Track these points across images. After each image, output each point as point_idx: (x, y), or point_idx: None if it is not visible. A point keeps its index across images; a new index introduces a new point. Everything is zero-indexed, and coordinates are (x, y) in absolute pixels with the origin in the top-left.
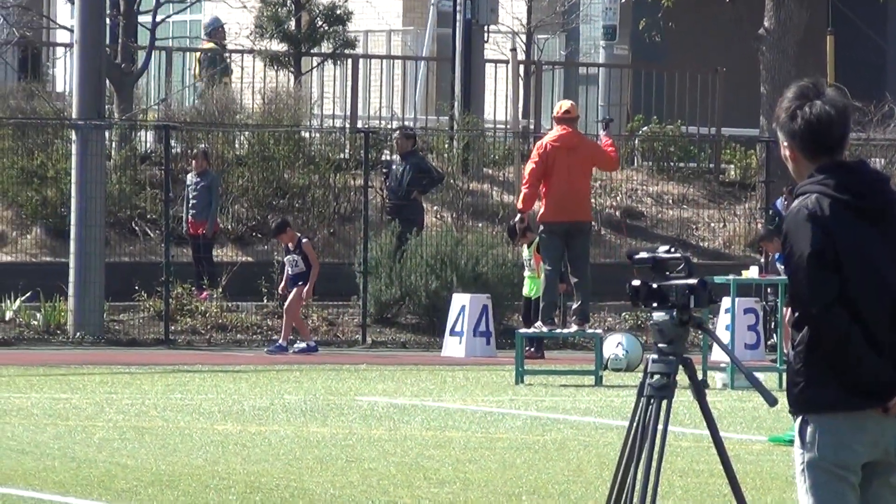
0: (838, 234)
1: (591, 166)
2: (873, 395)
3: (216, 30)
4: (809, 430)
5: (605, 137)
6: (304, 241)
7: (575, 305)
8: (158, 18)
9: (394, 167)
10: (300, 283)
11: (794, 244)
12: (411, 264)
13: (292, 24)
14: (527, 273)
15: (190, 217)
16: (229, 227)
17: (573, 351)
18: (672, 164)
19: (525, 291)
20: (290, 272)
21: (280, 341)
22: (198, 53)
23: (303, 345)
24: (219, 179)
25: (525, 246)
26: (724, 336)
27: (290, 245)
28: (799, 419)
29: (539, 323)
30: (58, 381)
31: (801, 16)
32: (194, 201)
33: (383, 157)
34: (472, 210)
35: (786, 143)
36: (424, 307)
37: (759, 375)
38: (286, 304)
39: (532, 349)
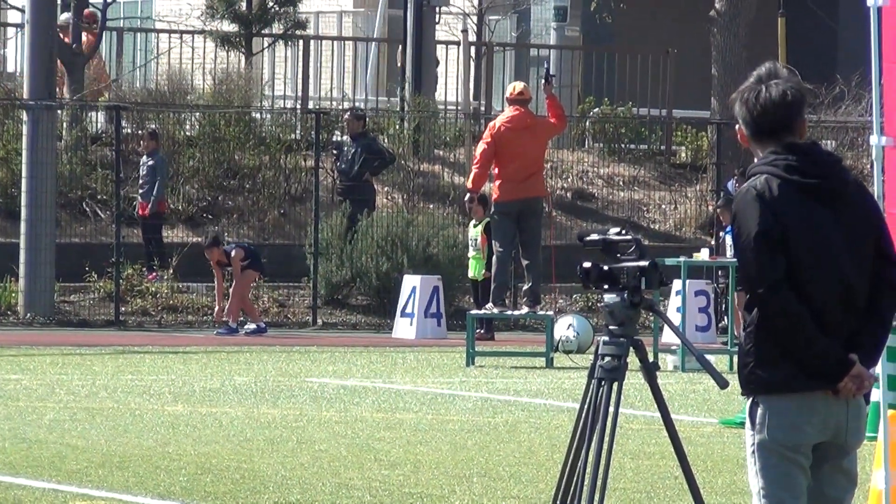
0: (786, 215)
1: (544, 145)
2: (823, 376)
3: None
4: (759, 411)
5: (547, 96)
6: (232, 254)
7: (526, 287)
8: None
9: (345, 149)
10: (248, 269)
11: (741, 224)
12: (362, 246)
13: (243, 4)
14: (472, 253)
15: (139, 198)
16: (179, 207)
17: (524, 333)
18: (623, 145)
19: (470, 273)
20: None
21: (230, 322)
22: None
23: (253, 326)
24: (164, 160)
25: (472, 225)
26: (675, 318)
27: (220, 261)
28: (749, 400)
29: (490, 304)
30: (8, 361)
31: None
32: (143, 181)
33: (334, 138)
34: (423, 191)
35: (740, 127)
36: (375, 288)
37: (710, 358)
38: (232, 288)
39: (482, 330)
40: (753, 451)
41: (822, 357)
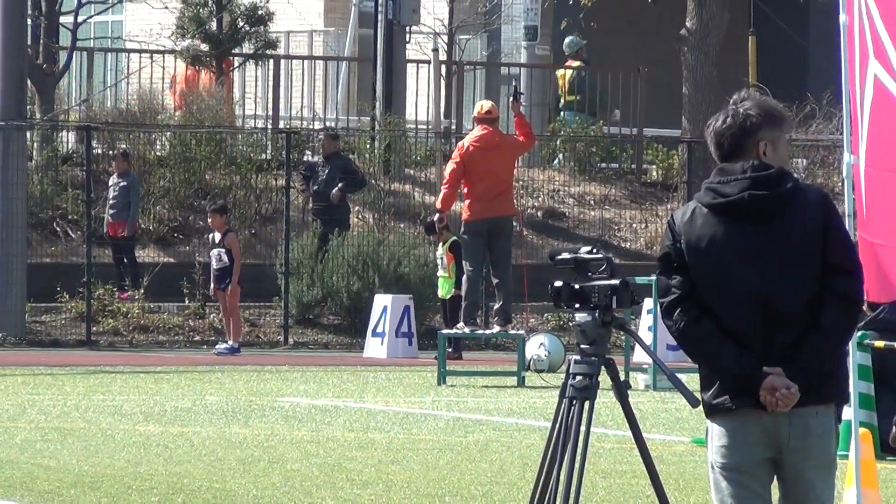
0: (690, 237)
1: (513, 164)
2: (744, 393)
3: (581, 49)
4: (707, 433)
5: (516, 114)
6: (230, 233)
7: (497, 306)
8: (80, 19)
9: (318, 169)
10: (228, 281)
11: None
12: (333, 265)
13: (214, 24)
14: (440, 273)
15: (109, 218)
16: (150, 227)
17: (495, 352)
18: (594, 164)
19: (440, 292)
20: (215, 268)
21: (231, 342)
22: (563, 72)
23: (226, 345)
24: (137, 180)
25: (440, 244)
26: (647, 337)
27: (216, 236)
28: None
29: (461, 323)
30: None
31: (723, 16)
32: (114, 202)
33: (305, 158)
34: (394, 210)
35: None
36: (346, 308)
37: (682, 377)
38: (226, 305)
39: (450, 349)
40: (709, 472)
41: (726, 372)
